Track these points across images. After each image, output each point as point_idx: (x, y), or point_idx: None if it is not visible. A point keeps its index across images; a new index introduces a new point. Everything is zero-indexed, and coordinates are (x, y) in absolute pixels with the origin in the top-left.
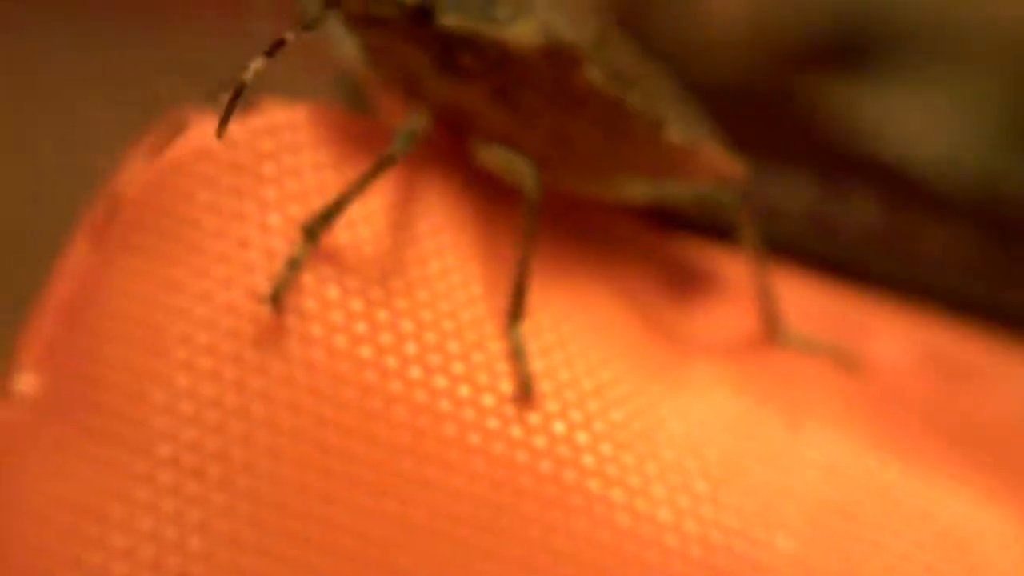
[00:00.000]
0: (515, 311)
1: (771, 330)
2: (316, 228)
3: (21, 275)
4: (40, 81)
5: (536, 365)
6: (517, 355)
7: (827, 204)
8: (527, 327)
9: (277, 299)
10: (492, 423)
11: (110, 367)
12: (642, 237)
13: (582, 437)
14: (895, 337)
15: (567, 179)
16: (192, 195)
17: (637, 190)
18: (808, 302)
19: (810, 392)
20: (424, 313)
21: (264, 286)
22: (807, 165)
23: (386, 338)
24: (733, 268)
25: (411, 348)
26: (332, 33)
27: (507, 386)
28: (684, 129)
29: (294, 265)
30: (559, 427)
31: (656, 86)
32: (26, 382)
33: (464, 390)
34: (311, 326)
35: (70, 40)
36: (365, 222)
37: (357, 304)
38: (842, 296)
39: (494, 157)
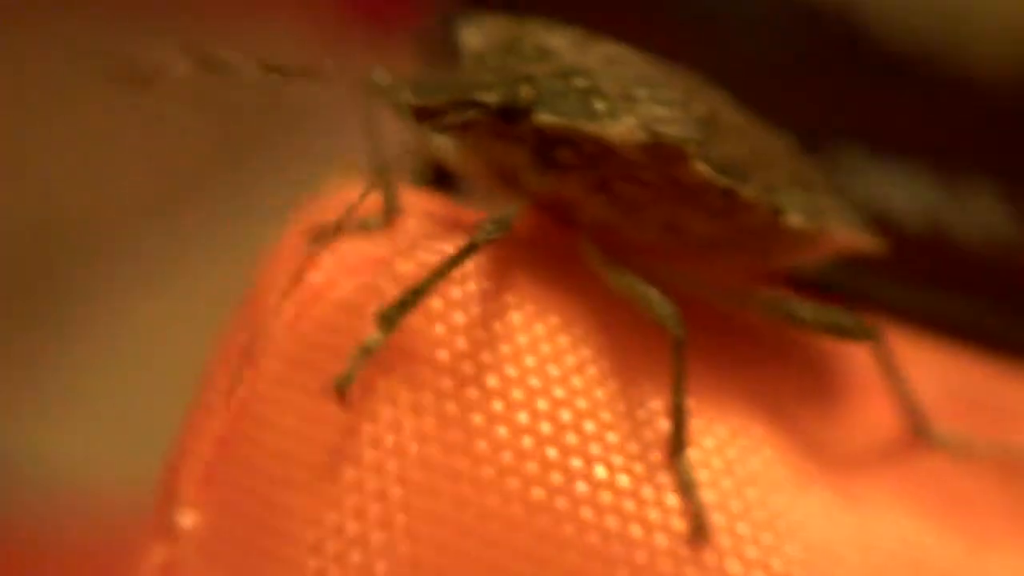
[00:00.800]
0: (678, 444)
1: (919, 430)
2: (394, 316)
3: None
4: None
5: (707, 496)
6: (687, 489)
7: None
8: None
9: (343, 390)
10: (665, 566)
11: (271, 509)
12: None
13: None
14: None
15: (680, 278)
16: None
17: (762, 304)
18: (944, 380)
19: (979, 507)
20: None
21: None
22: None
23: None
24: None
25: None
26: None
27: (679, 524)
28: (807, 212)
29: (365, 353)
30: (735, 568)
31: (776, 166)
32: (189, 518)
33: (636, 530)
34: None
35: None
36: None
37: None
38: (976, 364)
39: (628, 288)
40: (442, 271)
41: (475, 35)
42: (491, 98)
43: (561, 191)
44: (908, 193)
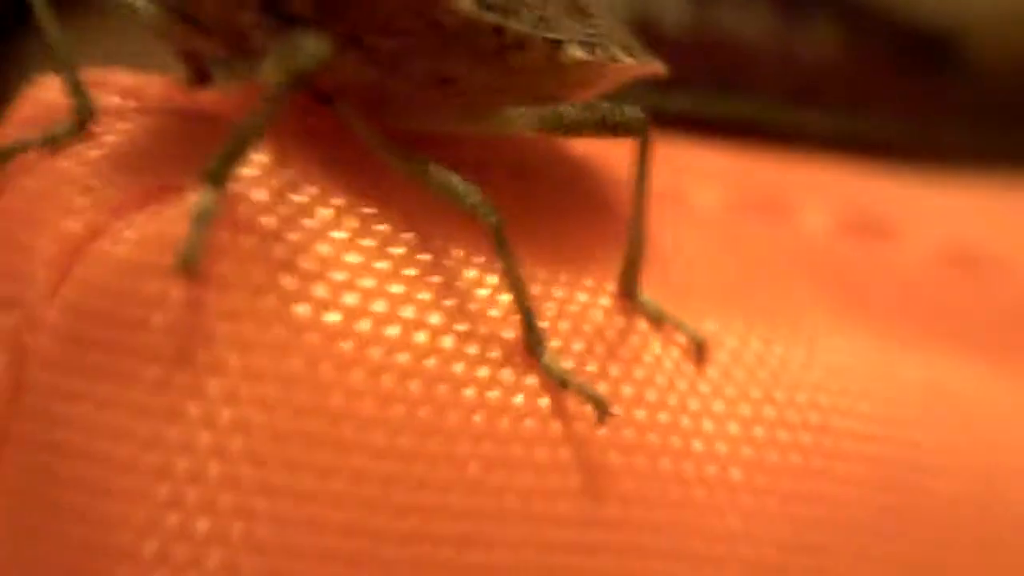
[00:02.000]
0: (535, 340)
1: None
2: (221, 170)
3: None
4: None
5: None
6: (565, 381)
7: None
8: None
9: (191, 265)
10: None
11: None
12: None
13: None
14: (817, 201)
15: (451, 122)
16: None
17: (531, 121)
18: (730, 173)
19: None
20: None
21: None
22: None
23: None
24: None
25: None
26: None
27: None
28: (587, 43)
29: (205, 219)
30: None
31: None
32: None
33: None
34: None
35: None
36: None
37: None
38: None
39: (424, 176)
40: (257, 123)
41: None
42: None
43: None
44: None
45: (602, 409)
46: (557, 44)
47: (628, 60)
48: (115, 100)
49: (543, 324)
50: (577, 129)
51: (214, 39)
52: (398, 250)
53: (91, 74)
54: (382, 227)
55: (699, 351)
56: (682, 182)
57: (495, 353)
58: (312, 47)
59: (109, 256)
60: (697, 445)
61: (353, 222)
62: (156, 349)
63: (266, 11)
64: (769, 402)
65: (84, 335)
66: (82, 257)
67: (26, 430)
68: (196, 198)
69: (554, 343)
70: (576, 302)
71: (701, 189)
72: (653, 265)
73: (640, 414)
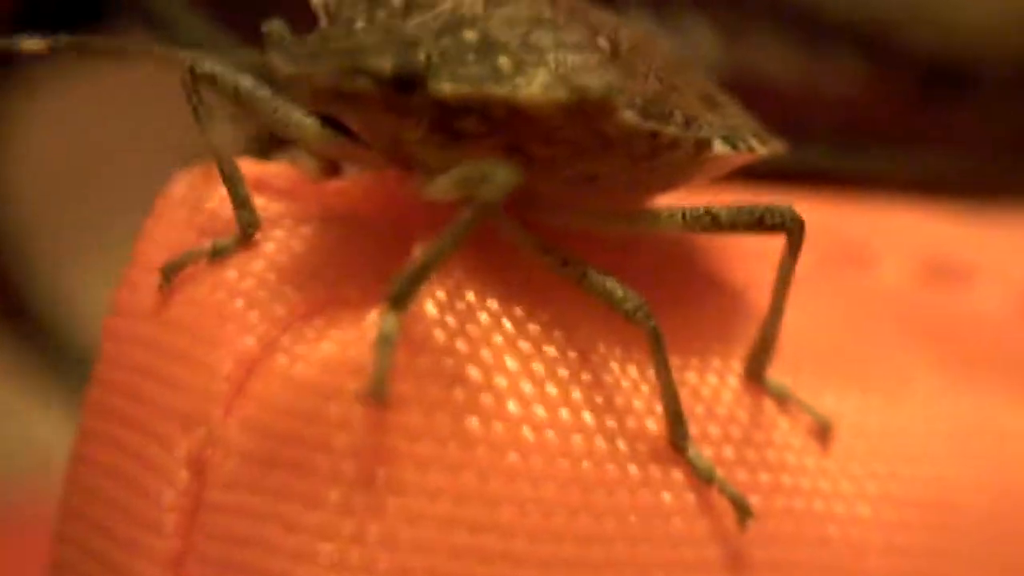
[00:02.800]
0: (681, 435)
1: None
2: (405, 294)
3: None
4: None
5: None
6: (709, 475)
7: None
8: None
9: (380, 394)
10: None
11: None
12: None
13: None
14: (894, 249)
15: (600, 220)
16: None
17: (683, 222)
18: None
19: None
20: None
21: None
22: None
23: None
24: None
25: None
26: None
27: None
28: (726, 136)
29: (387, 344)
30: None
31: (682, 87)
32: None
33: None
34: None
35: None
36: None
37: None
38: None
39: (584, 281)
40: (448, 244)
41: None
42: (384, 65)
43: (463, 162)
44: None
45: (745, 513)
46: (704, 142)
47: (762, 150)
48: (260, 201)
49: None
50: (730, 229)
51: (372, 152)
52: (550, 349)
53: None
54: (534, 327)
55: (824, 432)
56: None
57: (643, 448)
58: (503, 177)
59: (288, 375)
60: (832, 530)
61: (509, 325)
62: (339, 471)
63: (435, 129)
64: (894, 479)
65: (266, 455)
66: (258, 374)
67: (208, 549)
68: (380, 322)
69: (692, 429)
70: (708, 384)
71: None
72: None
73: (779, 502)
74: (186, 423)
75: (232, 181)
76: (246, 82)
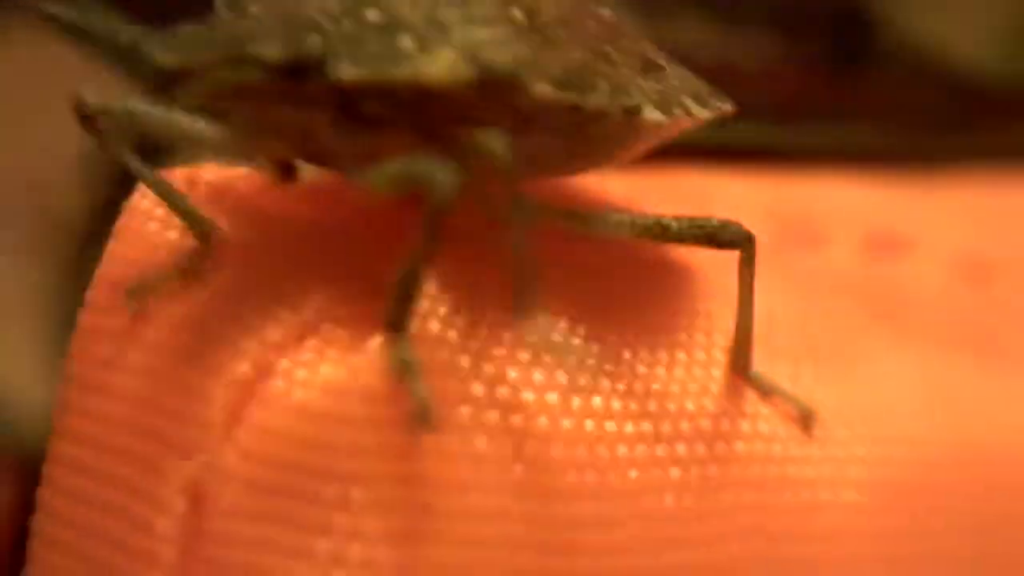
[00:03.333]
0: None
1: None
2: (402, 318)
3: None
4: None
5: None
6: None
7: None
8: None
9: (430, 417)
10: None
11: None
12: None
13: None
14: (842, 225)
15: (539, 214)
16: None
17: (632, 228)
18: (758, 202)
19: None
20: None
21: None
22: None
23: None
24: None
25: None
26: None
27: None
28: (661, 102)
29: (414, 372)
30: None
31: (614, 56)
32: None
33: None
34: None
35: None
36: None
37: None
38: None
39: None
40: (418, 268)
41: None
42: (272, 52)
43: (381, 150)
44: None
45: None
46: (633, 109)
47: (701, 112)
48: (224, 207)
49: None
50: (679, 241)
51: (288, 145)
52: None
53: (178, 172)
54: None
55: (807, 420)
56: (721, 213)
57: (687, 449)
58: (444, 179)
59: (288, 401)
60: (821, 520)
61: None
62: (348, 497)
63: (341, 113)
64: (877, 462)
65: (269, 482)
66: (256, 400)
67: None
68: (394, 350)
69: (684, 424)
70: (694, 378)
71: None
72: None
73: (769, 495)
74: (182, 452)
75: (168, 197)
76: (137, 105)
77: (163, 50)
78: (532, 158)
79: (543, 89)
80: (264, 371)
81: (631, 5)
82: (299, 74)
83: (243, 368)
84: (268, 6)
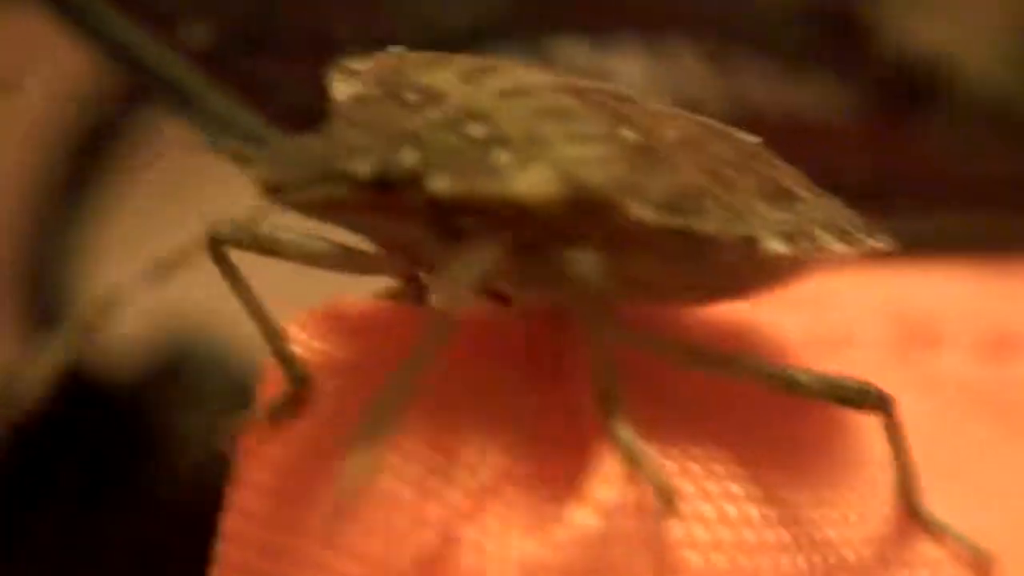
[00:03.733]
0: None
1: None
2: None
3: None
4: None
5: None
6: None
7: None
8: None
9: (671, 498)
10: None
11: None
12: None
13: None
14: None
15: (666, 349)
16: None
17: (759, 374)
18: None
19: None
20: None
21: None
22: None
23: None
24: None
25: None
26: None
27: None
28: (788, 233)
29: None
30: None
31: (740, 182)
32: None
33: None
34: None
35: None
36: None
37: None
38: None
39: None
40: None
41: (346, 80)
42: (361, 168)
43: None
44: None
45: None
46: (753, 239)
47: (837, 247)
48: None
49: None
50: (807, 396)
51: (397, 258)
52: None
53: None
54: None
55: (984, 566)
56: (839, 317)
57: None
58: (480, 258)
59: None
60: None
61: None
62: None
63: (436, 226)
64: None
65: None
66: (444, 573)
67: None
68: (615, 439)
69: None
70: (869, 522)
71: (866, 326)
72: None
73: None
74: None
75: (270, 339)
76: (264, 230)
77: (262, 165)
78: (635, 280)
79: (641, 211)
80: (450, 541)
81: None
82: (388, 188)
83: (427, 537)
84: (376, 115)
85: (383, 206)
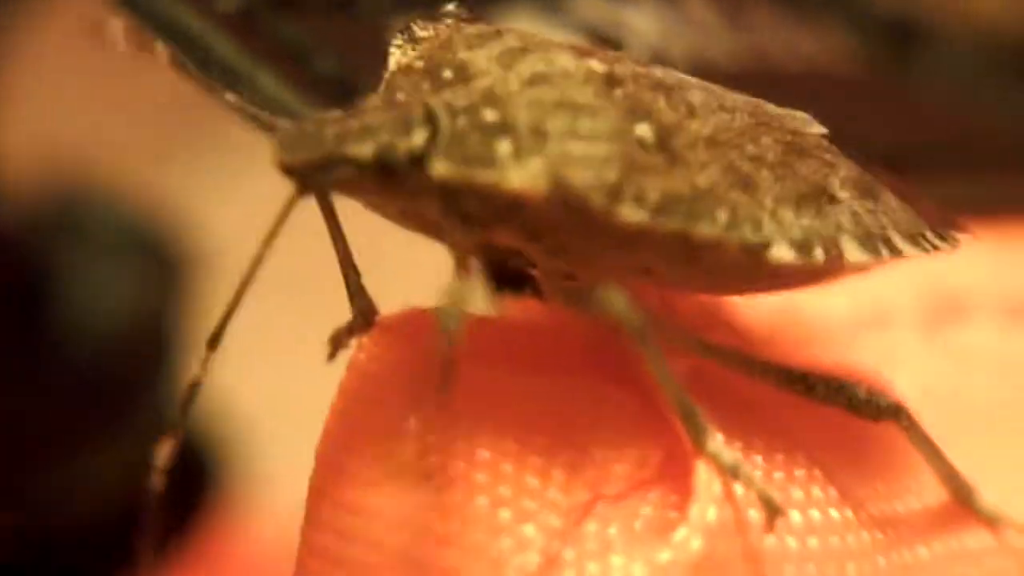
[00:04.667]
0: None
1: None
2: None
3: None
4: None
5: None
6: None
7: None
8: None
9: (776, 507)
10: None
11: None
12: None
13: None
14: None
15: (686, 342)
16: None
17: (772, 375)
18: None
19: None
20: None
21: None
22: None
23: None
24: None
25: None
26: None
27: None
28: (803, 239)
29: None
30: None
31: (765, 183)
32: None
33: None
34: None
35: None
36: None
37: None
38: None
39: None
40: None
41: (401, 48)
42: (363, 152)
43: (493, 242)
44: None
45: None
46: (753, 246)
47: (859, 255)
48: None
49: None
50: (818, 400)
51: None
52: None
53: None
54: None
55: None
56: (873, 297)
57: None
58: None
59: None
60: None
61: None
62: None
63: (447, 208)
64: None
65: None
66: None
67: None
68: (716, 461)
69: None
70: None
71: (898, 303)
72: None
73: None
74: None
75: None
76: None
77: (276, 145)
78: (647, 272)
79: (632, 213)
80: (552, 563)
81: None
82: (390, 172)
83: (532, 560)
84: (409, 90)
85: (392, 188)
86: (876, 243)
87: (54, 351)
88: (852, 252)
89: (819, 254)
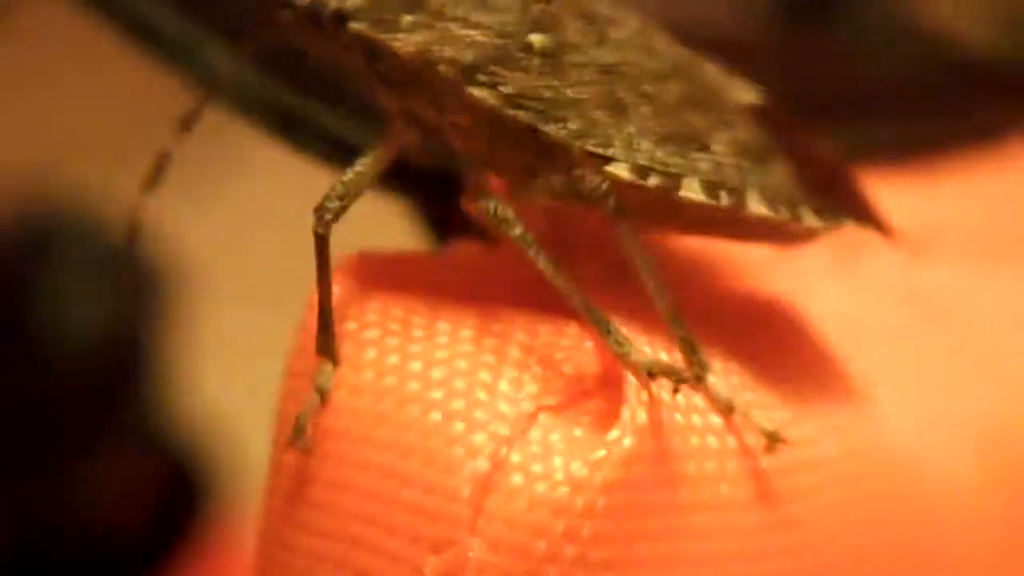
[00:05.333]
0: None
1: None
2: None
3: None
4: None
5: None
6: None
7: None
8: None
9: (778, 437)
10: None
11: None
12: None
13: None
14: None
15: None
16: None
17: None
18: None
19: None
20: None
21: None
22: None
23: None
24: None
25: None
26: None
27: None
28: (645, 165)
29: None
30: None
31: (653, 116)
32: None
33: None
34: None
35: None
36: None
37: None
38: None
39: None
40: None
41: None
42: (300, 1)
43: (410, 107)
44: None
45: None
46: (676, 180)
47: (698, 195)
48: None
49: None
50: (556, 197)
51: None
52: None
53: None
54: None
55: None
56: None
57: None
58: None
59: (531, 495)
60: None
61: None
62: None
63: (370, 66)
64: None
65: (522, 573)
66: (497, 494)
67: None
68: (710, 396)
69: None
70: None
71: None
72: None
73: None
74: (434, 545)
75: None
76: (355, 172)
77: None
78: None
79: (479, 93)
80: (500, 466)
81: None
82: (319, 23)
83: (482, 465)
84: None
85: (323, 38)
86: (718, 191)
87: (33, 364)
88: (691, 188)
89: (725, 198)
